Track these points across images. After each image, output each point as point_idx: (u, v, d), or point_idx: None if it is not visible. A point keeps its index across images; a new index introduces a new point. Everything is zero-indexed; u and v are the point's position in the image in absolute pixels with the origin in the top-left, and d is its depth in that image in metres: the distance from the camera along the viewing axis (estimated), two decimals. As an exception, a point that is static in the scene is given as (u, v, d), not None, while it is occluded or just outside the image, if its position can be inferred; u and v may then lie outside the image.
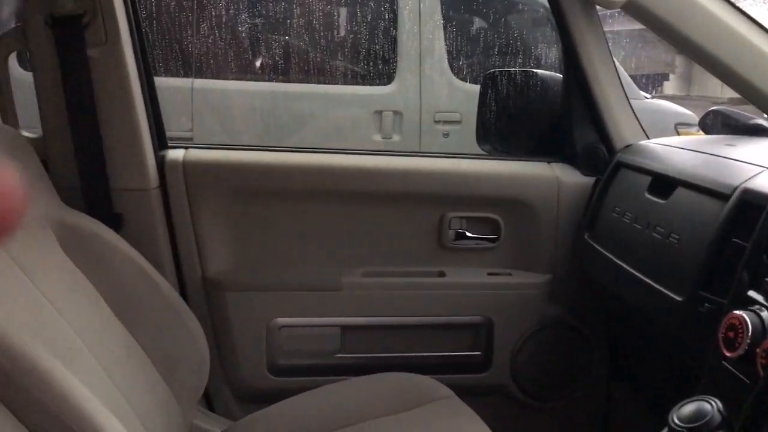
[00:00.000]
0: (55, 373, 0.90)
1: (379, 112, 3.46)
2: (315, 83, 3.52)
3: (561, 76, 1.70)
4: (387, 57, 3.45)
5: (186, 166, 1.51)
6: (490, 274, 1.62)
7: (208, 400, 1.57)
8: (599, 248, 1.46)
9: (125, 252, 1.31)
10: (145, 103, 1.47)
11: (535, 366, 1.65)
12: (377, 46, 3.45)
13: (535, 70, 1.76)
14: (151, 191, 1.47)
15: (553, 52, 3.52)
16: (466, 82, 3.47)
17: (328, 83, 3.52)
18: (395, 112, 3.47)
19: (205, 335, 1.39)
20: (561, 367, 1.67)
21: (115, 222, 1.41)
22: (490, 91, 1.75)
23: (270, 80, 3.47)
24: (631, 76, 4.37)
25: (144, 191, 1.46)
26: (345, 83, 3.52)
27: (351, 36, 3.52)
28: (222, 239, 1.55)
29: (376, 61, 3.46)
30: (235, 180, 1.55)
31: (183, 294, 1.49)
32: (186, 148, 1.55)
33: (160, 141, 1.53)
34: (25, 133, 1.41)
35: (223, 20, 3.41)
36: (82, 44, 1.37)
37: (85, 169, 1.42)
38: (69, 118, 1.40)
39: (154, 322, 1.31)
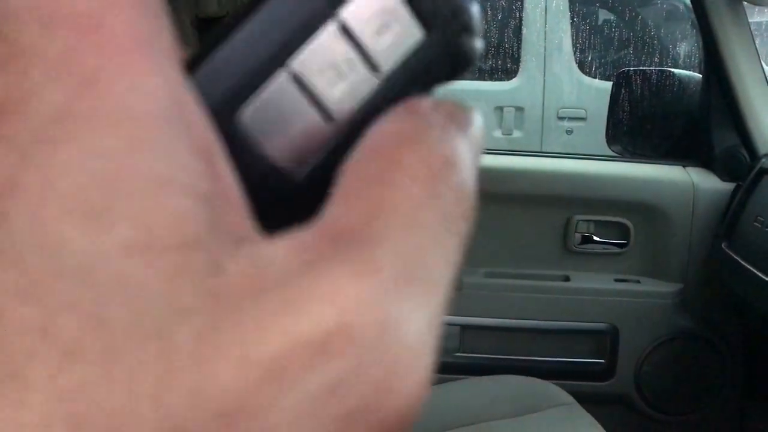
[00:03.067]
0: None
1: (501, 108, 3.42)
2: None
3: (699, 75, 1.62)
4: (511, 51, 3.40)
5: None
6: (617, 280, 1.57)
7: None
8: (738, 259, 1.39)
9: None
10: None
11: (663, 377, 1.59)
12: (501, 41, 3.40)
13: (671, 69, 1.69)
14: None
15: (686, 48, 3.35)
16: (594, 78, 3.37)
17: (450, 78, 3.50)
18: (517, 108, 3.41)
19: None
20: (690, 380, 1.60)
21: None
22: (623, 90, 1.69)
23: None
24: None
25: None
26: (466, 78, 3.50)
27: (475, 30, 3.48)
28: None
29: (499, 56, 3.42)
30: None
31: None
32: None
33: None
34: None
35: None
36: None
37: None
38: None
39: None
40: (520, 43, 3.38)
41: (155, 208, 0.12)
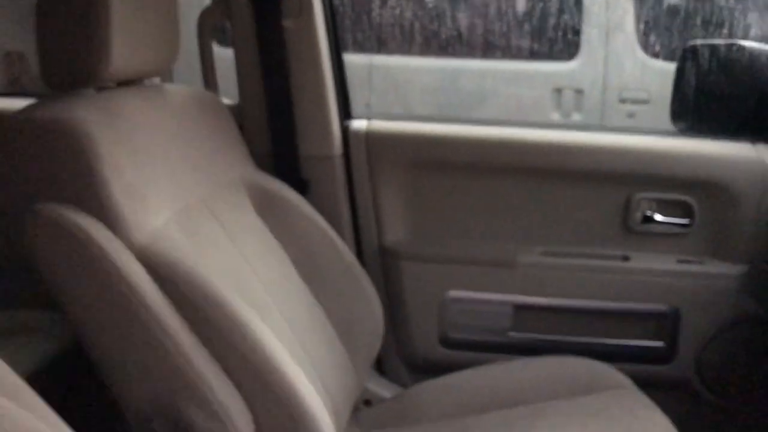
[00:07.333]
0: (253, 324, 0.97)
1: (559, 90, 3.34)
2: (492, 59, 3.47)
3: (772, 48, 1.55)
4: (570, 31, 3.31)
5: (368, 136, 1.54)
6: (679, 261, 1.51)
7: (380, 366, 1.61)
8: (811, 239, 1.32)
9: (310, 216, 1.37)
10: (333, 73, 1.52)
11: (725, 362, 1.53)
12: (560, 20, 3.32)
13: (740, 42, 1.61)
14: (335, 159, 1.52)
15: (759, 28, 3.21)
16: (657, 58, 3.26)
17: (507, 59, 3.44)
18: (576, 90, 3.33)
19: (380, 303, 1.42)
20: (755, 366, 1.54)
21: (301, 187, 1.47)
22: (689, 65, 1.62)
23: (443, 56, 3.46)
24: None
25: (329, 158, 1.51)
26: (524, 59, 3.43)
27: (532, 9, 3.41)
28: (400, 209, 1.57)
29: (558, 36, 3.33)
30: (415, 151, 1.56)
31: (360, 261, 1.53)
32: (369, 118, 1.58)
33: (346, 111, 1.57)
34: (224, 101, 1.50)
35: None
36: (278, 15, 1.43)
37: (277, 136, 1.49)
38: (264, 86, 1.47)
39: (333, 284, 1.35)
40: (580, 22, 3.29)
41: None
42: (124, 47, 1.05)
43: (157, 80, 1.32)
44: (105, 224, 0.95)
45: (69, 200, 0.95)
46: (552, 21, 3.33)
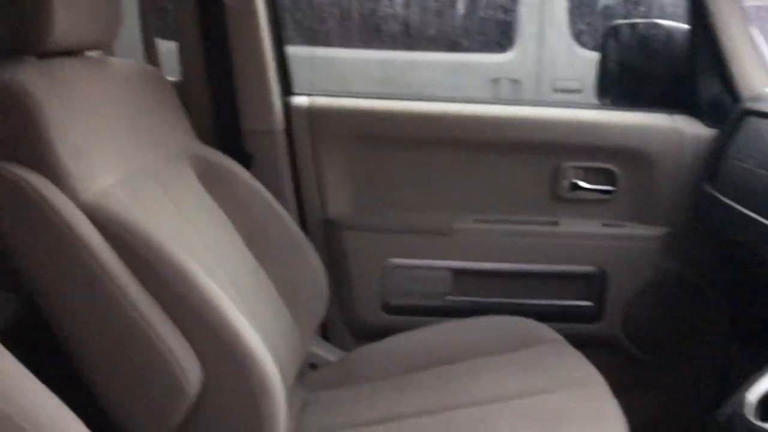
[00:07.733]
0: (201, 278, 1.00)
1: (497, 80, 3.45)
2: (431, 51, 3.55)
3: (686, 26, 1.65)
4: (505, 23, 3.42)
5: (311, 111, 1.59)
6: (605, 225, 1.61)
7: (325, 332, 1.66)
8: (720, 196, 1.42)
9: (254, 188, 1.41)
10: (274, 50, 1.56)
11: (649, 320, 1.63)
12: (497, 13, 3.42)
13: (658, 21, 1.72)
14: (277, 133, 1.56)
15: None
16: (587, 49, 3.39)
17: (447, 51, 3.53)
18: (513, 81, 3.44)
19: (324, 271, 1.47)
20: (676, 322, 1.64)
21: (245, 161, 1.51)
22: (611, 42, 1.72)
23: (384, 48, 3.52)
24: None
25: (271, 133, 1.56)
26: (462, 51, 3.53)
27: (471, 3, 3.51)
28: (342, 182, 1.62)
29: (494, 28, 3.44)
30: (356, 126, 1.61)
31: (304, 231, 1.57)
32: (310, 95, 1.63)
33: (287, 87, 1.62)
34: (168, 78, 1.53)
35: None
36: (219, -7, 1.47)
37: (220, 110, 1.53)
38: (206, 61, 1.51)
39: (278, 254, 1.39)
40: (515, 15, 3.40)
41: None
42: (67, 16, 1.08)
43: (98, 54, 1.35)
44: (51, 181, 0.97)
45: (15, 159, 0.97)
46: (489, 14, 3.43)
